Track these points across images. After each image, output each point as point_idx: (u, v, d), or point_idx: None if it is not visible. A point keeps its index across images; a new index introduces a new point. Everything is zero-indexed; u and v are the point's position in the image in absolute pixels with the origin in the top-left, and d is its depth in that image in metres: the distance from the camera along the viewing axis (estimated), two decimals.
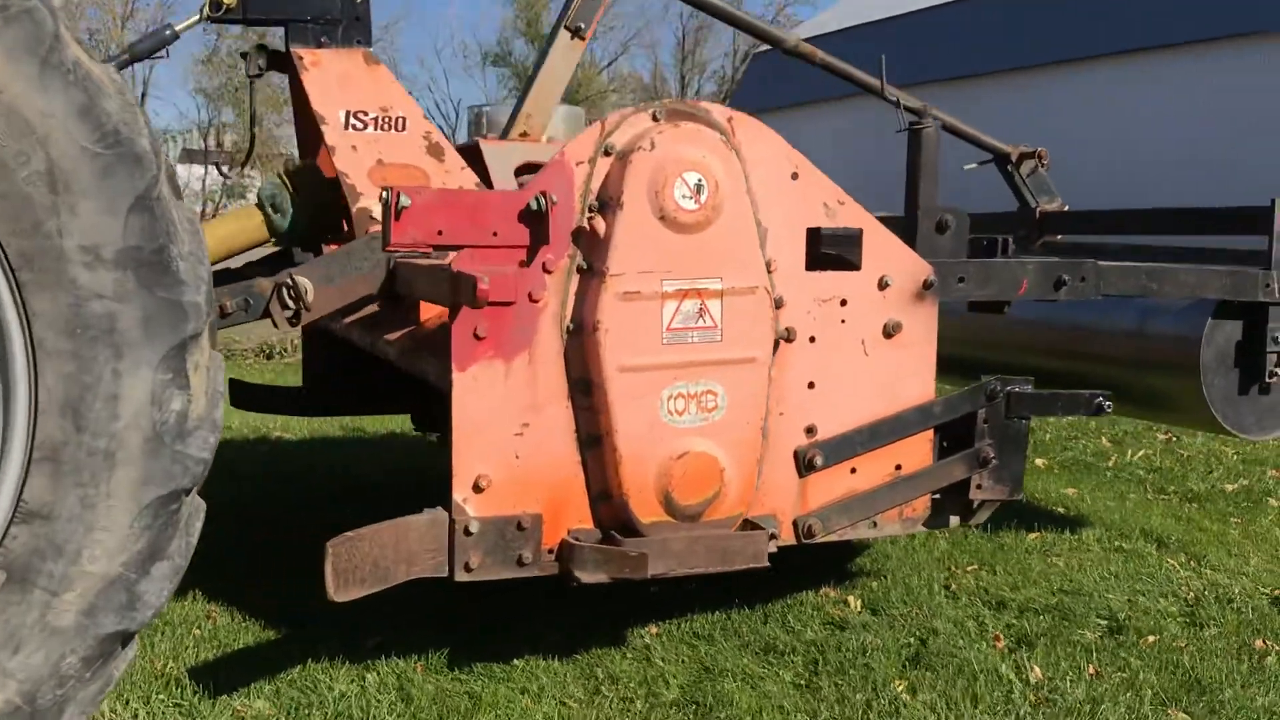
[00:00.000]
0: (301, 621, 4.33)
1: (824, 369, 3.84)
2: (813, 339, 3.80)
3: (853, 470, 3.96)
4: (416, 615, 4.37)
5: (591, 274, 3.48)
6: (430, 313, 4.28)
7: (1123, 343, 5.11)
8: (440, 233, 3.29)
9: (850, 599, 4.61)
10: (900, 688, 3.77)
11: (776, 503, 3.83)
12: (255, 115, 5.39)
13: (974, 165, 6.26)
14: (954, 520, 4.25)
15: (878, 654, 4.04)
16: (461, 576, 3.45)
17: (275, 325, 3.98)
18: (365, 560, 3.29)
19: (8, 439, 2.85)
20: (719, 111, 3.66)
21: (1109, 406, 4.26)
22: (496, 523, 3.46)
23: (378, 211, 4.31)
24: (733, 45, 51.01)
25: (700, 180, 3.50)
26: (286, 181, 4.64)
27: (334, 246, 5.00)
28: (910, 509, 4.10)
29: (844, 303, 3.85)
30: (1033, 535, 5.58)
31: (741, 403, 3.64)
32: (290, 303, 3.90)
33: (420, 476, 6.94)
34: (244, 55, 4.87)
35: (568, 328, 3.49)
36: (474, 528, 3.42)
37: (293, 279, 3.87)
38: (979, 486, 4.17)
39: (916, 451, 4.05)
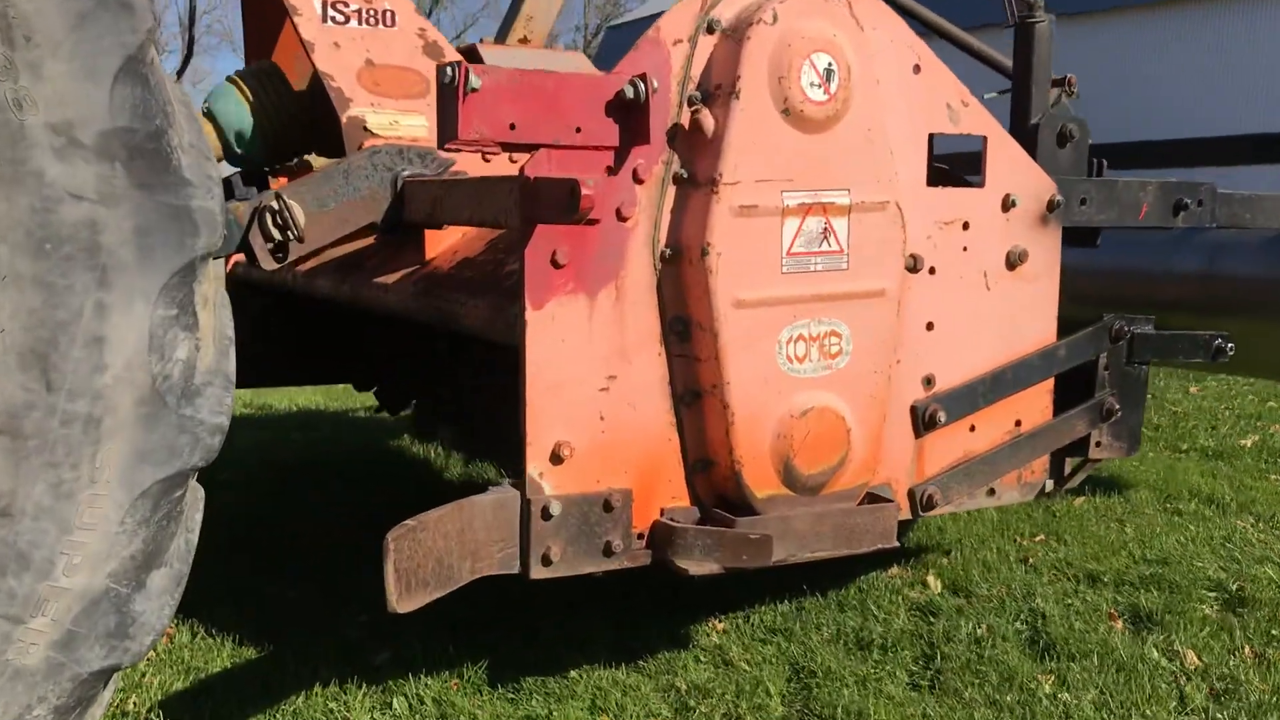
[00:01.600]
0: (283, 634, 3.50)
1: (944, 306, 3.16)
2: (932, 270, 3.12)
3: (971, 428, 3.31)
4: (421, 620, 3.58)
5: (694, 184, 2.73)
6: (440, 247, 3.48)
7: (1188, 286, 4.57)
8: (512, 126, 2.51)
9: (929, 579, 3.98)
10: (1048, 684, 3.14)
11: (892, 469, 3.15)
12: (195, 9, 4.46)
13: (995, 93, 5.66)
14: (1057, 485, 3.65)
15: (998, 643, 3.41)
16: (539, 572, 2.69)
17: (253, 262, 3.14)
18: (429, 557, 2.51)
19: None
20: None
21: (1231, 349, 3.69)
22: (580, 502, 2.71)
23: (373, 121, 3.50)
24: (584, 19, 49.51)
25: (830, 64, 2.78)
26: (241, 87, 3.75)
27: (283, 181, 4.16)
28: (1029, 472, 3.46)
29: (966, 226, 3.18)
30: (1078, 500, 5.04)
31: (869, 347, 2.95)
32: (276, 232, 3.06)
33: (389, 456, 6.11)
34: None
35: (662, 254, 2.74)
36: (554, 509, 2.66)
37: (282, 201, 3.04)
38: (1098, 444, 3.57)
39: (1036, 404, 3.41)
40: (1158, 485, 5.32)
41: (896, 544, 3.03)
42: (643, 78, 2.57)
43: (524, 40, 4.32)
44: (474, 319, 2.97)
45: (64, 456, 2.04)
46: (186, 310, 2.15)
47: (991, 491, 3.40)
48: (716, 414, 2.78)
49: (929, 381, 3.18)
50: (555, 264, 2.62)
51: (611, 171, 2.66)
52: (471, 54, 4.02)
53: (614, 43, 31.79)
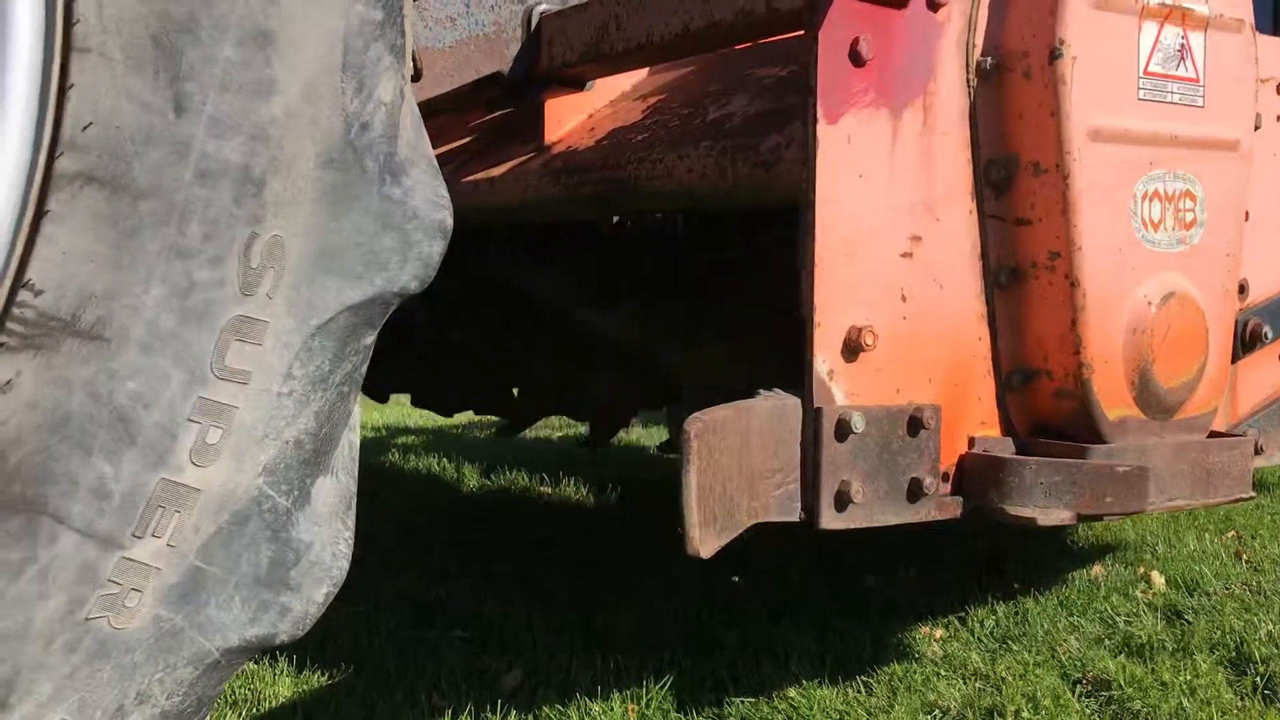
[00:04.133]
0: (378, 652, 2.53)
1: (1257, 190, 2.38)
2: (1260, 117, 2.35)
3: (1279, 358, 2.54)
4: (544, 626, 2.64)
5: None
6: (564, 124, 2.61)
7: None
8: None
9: (1152, 576, 3.16)
10: None
11: (1211, 399, 2.34)
12: None
13: None
14: None
15: None
16: (831, 520, 1.79)
17: None
18: (718, 476, 1.60)
19: None
20: None
21: None
22: (882, 418, 1.83)
23: None
24: None
25: None
26: None
27: None
28: None
29: None
30: None
31: (1222, 217, 2.15)
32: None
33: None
34: None
35: (979, 65, 1.92)
36: (857, 422, 1.78)
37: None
38: None
39: None
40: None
41: (1253, 494, 2.22)
42: None
43: None
44: (681, 176, 2.09)
45: (201, 240, 1.11)
46: (394, 18, 1.24)
47: None
48: (1054, 297, 1.94)
49: (1243, 289, 2.39)
50: (856, 58, 1.77)
51: None
52: None
53: None
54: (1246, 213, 2.34)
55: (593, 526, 3.91)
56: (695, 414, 1.56)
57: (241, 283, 1.14)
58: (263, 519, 1.18)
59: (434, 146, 2.91)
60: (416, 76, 2.20)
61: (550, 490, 4.49)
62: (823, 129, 1.75)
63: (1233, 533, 3.73)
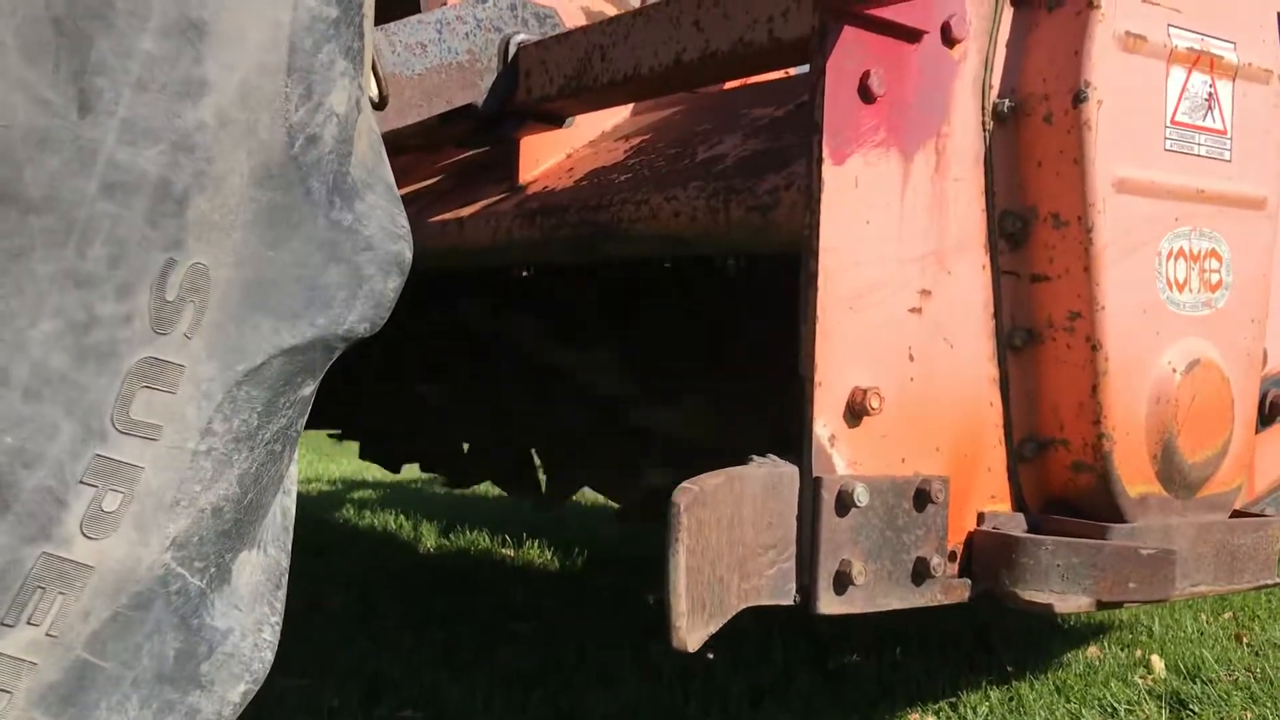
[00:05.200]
0: None
1: (1277, 249, 2.25)
2: None
3: None
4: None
5: (1046, 4, 1.78)
6: (540, 164, 2.44)
7: None
8: None
9: (1151, 660, 2.98)
10: None
11: (1236, 475, 2.18)
12: None
13: None
14: None
15: None
16: (830, 604, 1.59)
17: None
18: (707, 554, 1.41)
19: None
20: None
21: None
22: (888, 490, 1.65)
23: None
24: None
25: None
26: None
27: None
28: None
29: None
30: None
31: (1248, 279, 2.00)
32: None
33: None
34: None
35: (997, 107, 1.77)
36: (860, 496, 1.59)
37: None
38: None
39: None
40: None
41: (1279, 580, 2.05)
42: None
43: None
44: (667, 220, 1.92)
45: (105, 266, 0.92)
46: (351, 18, 1.07)
47: None
48: (1073, 361, 1.78)
49: (1263, 357, 2.24)
50: (865, 94, 1.61)
51: None
52: None
53: None
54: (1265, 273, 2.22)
55: (557, 593, 3.69)
56: (684, 483, 1.38)
57: (153, 319, 0.95)
58: (169, 602, 0.98)
59: (403, 181, 2.75)
60: (381, 104, 2.02)
61: (512, 553, 4.28)
62: (828, 169, 1.59)
63: (1229, 613, 3.56)
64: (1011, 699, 2.68)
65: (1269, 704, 2.70)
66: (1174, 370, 1.85)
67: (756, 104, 2.17)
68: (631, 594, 3.46)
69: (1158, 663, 2.98)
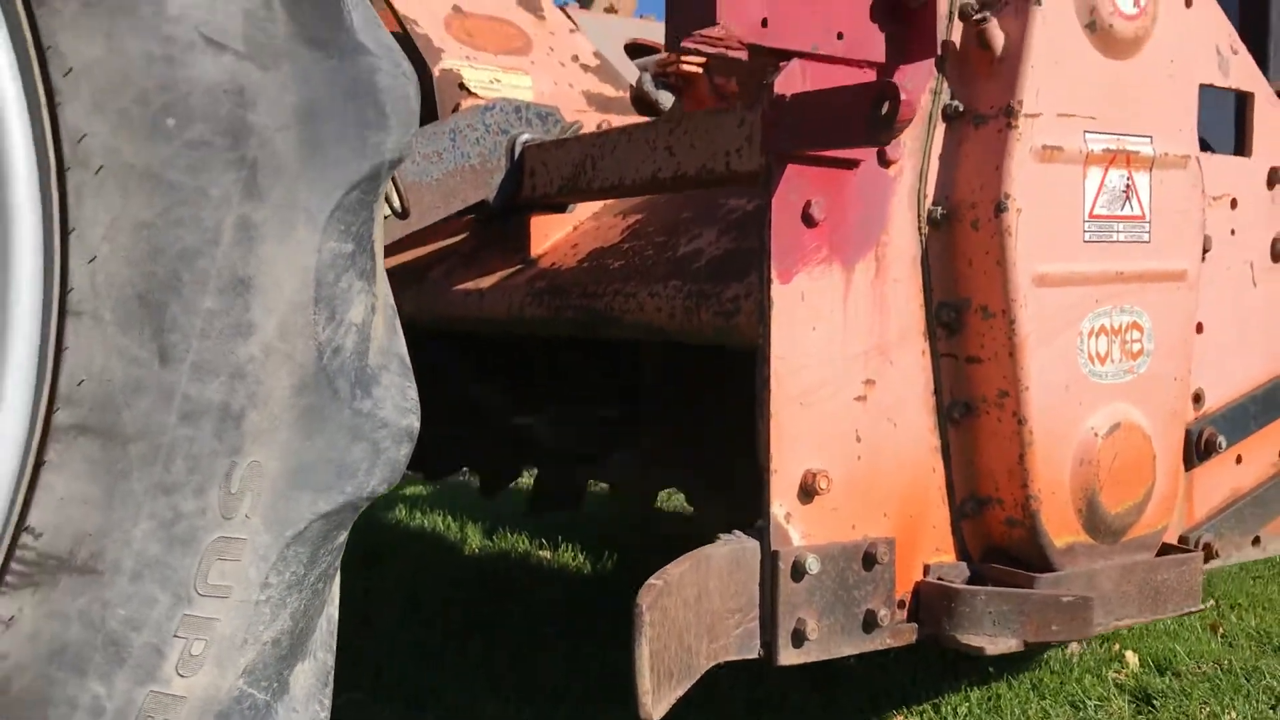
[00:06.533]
0: None
1: (1213, 304, 2.48)
2: (1210, 240, 2.45)
3: (1238, 459, 2.63)
4: None
5: (975, 120, 2.03)
6: (549, 236, 2.73)
7: None
8: (765, 23, 1.79)
9: (1126, 656, 3.26)
10: None
11: (1161, 517, 2.44)
12: None
13: None
14: None
15: None
16: (788, 656, 1.90)
17: None
18: (673, 633, 1.71)
19: None
20: None
21: None
22: (838, 555, 1.94)
23: (470, 78, 2.74)
24: None
25: None
26: None
27: None
28: None
29: (1234, 204, 2.53)
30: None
31: (1170, 345, 2.26)
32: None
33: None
34: None
35: (931, 214, 2.03)
36: (810, 565, 1.89)
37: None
38: None
39: None
40: None
41: (1202, 605, 2.32)
42: None
43: (610, 9, 3.62)
44: (651, 314, 2.21)
45: (185, 474, 1.23)
46: (364, 247, 1.36)
47: (1257, 540, 2.71)
48: (1003, 433, 2.05)
49: (1198, 399, 2.49)
50: (808, 220, 1.89)
51: None
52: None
53: None
54: (1200, 324, 2.46)
55: (586, 599, 4.01)
56: (650, 579, 1.68)
57: (222, 508, 1.26)
58: (243, 715, 1.30)
59: (427, 242, 3.06)
60: (404, 215, 2.32)
61: (549, 555, 4.61)
62: (776, 289, 1.87)
63: (1212, 602, 3.82)
64: (990, 699, 2.97)
65: (1229, 695, 2.96)
66: (1096, 435, 2.12)
67: (735, 194, 2.44)
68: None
69: (1131, 657, 3.25)
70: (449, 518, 5.28)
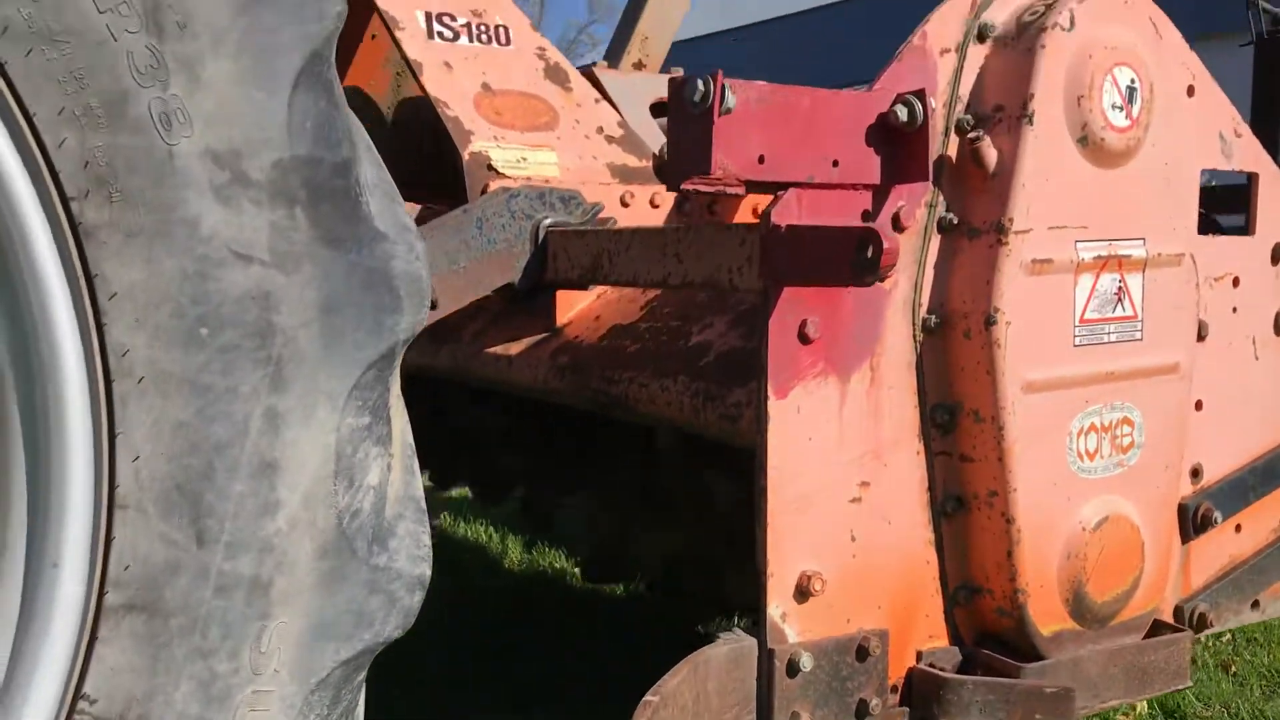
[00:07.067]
0: None
1: (1213, 380, 2.57)
2: (1203, 336, 2.54)
3: (1237, 528, 2.72)
4: None
5: (969, 233, 2.14)
6: (575, 305, 2.86)
7: None
8: (761, 159, 1.90)
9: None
10: None
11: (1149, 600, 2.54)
12: None
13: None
14: None
15: None
16: None
17: None
18: None
19: (42, 559, 1.36)
20: None
21: None
22: (831, 650, 2.07)
23: (498, 158, 2.87)
24: None
25: (1133, 80, 2.20)
26: None
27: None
28: None
29: (1236, 283, 2.60)
30: None
31: (1161, 436, 2.35)
32: None
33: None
34: None
35: (925, 322, 2.14)
36: (804, 662, 2.02)
37: None
38: None
39: None
40: None
41: (1189, 683, 2.43)
42: (919, 95, 1.97)
43: (639, 65, 3.72)
44: (662, 407, 2.34)
45: (220, 640, 1.39)
46: (380, 417, 1.51)
47: (1256, 604, 2.80)
48: (993, 529, 2.17)
49: (1196, 474, 2.58)
50: (804, 338, 2.00)
51: (868, 217, 2.06)
52: (588, 79, 3.41)
53: None
54: (1200, 402, 2.55)
55: (615, 627, 4.17)
56: (647, 695, 1.82)
57: (253, 666, 1.41)
58: None
59: None
60: (432, 307, 2.45)
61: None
62: (773, 404, 1.99)
63: (1227, 637, 3.91)
64: None
65: None
66: (1084, 529, 2.22)
67: None
68: (679, 626, 3.92)
69: (1140, 701, 3.35)
70: (490, 528, 5.47)
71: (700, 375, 2.29)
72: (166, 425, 1.34)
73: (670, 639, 3.93)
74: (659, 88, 3.53)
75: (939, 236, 2.15)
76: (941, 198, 2.15)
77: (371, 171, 1.55)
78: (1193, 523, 2.57)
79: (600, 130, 3.02)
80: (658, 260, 2.30)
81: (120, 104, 1.28)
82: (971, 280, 2.12)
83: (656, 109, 3.41)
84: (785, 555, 2.02)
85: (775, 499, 2.00)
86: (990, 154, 2.10)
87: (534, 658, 3.70)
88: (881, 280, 1.86)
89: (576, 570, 4.80)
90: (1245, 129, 2.60)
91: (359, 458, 1.48)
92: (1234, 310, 2.61)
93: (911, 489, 2.17)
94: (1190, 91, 2.44)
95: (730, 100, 1.81)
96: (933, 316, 2.14)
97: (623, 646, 3.81)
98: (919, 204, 2.12)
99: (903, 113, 1.96)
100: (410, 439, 1.68)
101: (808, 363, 2.02)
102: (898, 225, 2.09)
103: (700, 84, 1.80)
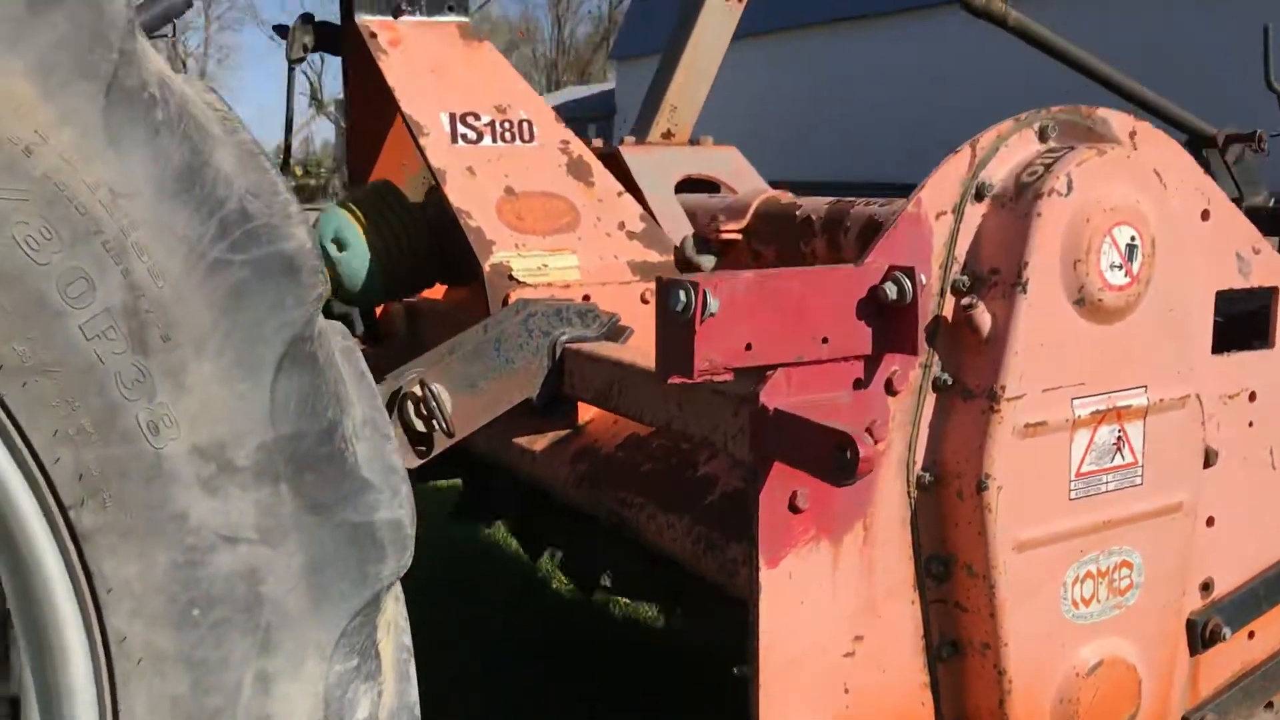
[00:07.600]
0: None
1: (1226, 495, 2.57)
2: (1215, 454, 2.54)
3: (1250, 635, 2.74)
4: None
5: (963, 395, 2.17)
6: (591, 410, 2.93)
7: None
8: (749, 347, 1.95)
9: None
10: None
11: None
12: (292, 115, 3.90)
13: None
14: None
15: None
16: None
17: None
18: None
19: None
20: (1117, 120, 2.34)
21: None
22: None
23: (519, 267, 2.93)
24: None
25: (1134, 238, 2.20)
26: (357, 216, 3.18)
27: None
28: None
29: (1252, 398, 2.59)
30: None
31: (1163, 574, 2.38)
32: (420, 423, 2.50)
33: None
34: (280, 30, 3.40)
35: (919, 479, 2.19)
36: None
37: (427, 389, 2.48)
38: None
39: None
40: None
41: None
42: (908, 272, 2.00)
43: (668, 135, 3.75)
44: (669, 542, 2.42)
45: None
46: (368, 656, 1.61)
47: (1270, 705, 2.83)
48: (986, 677, 2.22)
49: (1207, 587, 2.60)
50: (794, 509, 2.06)
51: (860, 385, 2.10)
52: (614, 160, 3.45)
53: (638, 9, 32.57)
54: (1211, 518, 2.57)
55: (662, 660, 4.30)
56: None
57: None
58: None
59: None
60: (450, 434, 2.54)
61: (625, 599, 4.91)
62: (765, 574, 2.05)
63: None
64: None
65: None
66: (1078, 674, 2.27)
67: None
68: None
69: None
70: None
71: (703, 518, 2.36)
72: (165, 700, 1.45)
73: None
74: (686, 163, 3.56)
75: (934, 396, 2.19)
76: (937, 358, 2.18)
77: (363, 408, 1.64)
78: (1201, 638, 2.60)
79: (622, 226, 3.07)
80: (661, 405, 2.37)
81: (110, 419, 1.38)
82: (964, 442, 2.15)
83: (684, 187, 3.44)
84: (778, 713, 2.10)
85: (767, 660, 2.07)
86: (984, 320, 2.13)
87: (580, 697, 3.85)
88: (856, 480, 1.90)
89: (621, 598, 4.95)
90: (1265, 244, 2.58)
91: (348, 698, 1.59)
92: (1250, 425, 2.60)
93: (905, 637, 2.23)
94: (1205, 216, 2.43)
95: (713, 305, 1.86)
96: (927, 474, 2.18)
97: (649, 688, 3.94)
98: (913, 366, 2.15)
99: (892, 290, 2.00)
100: (408, 639, 1.78)
101: (799, 530, 2.08)
102: (891, 389, 2.13)
103: (682, 294, 1.85)
